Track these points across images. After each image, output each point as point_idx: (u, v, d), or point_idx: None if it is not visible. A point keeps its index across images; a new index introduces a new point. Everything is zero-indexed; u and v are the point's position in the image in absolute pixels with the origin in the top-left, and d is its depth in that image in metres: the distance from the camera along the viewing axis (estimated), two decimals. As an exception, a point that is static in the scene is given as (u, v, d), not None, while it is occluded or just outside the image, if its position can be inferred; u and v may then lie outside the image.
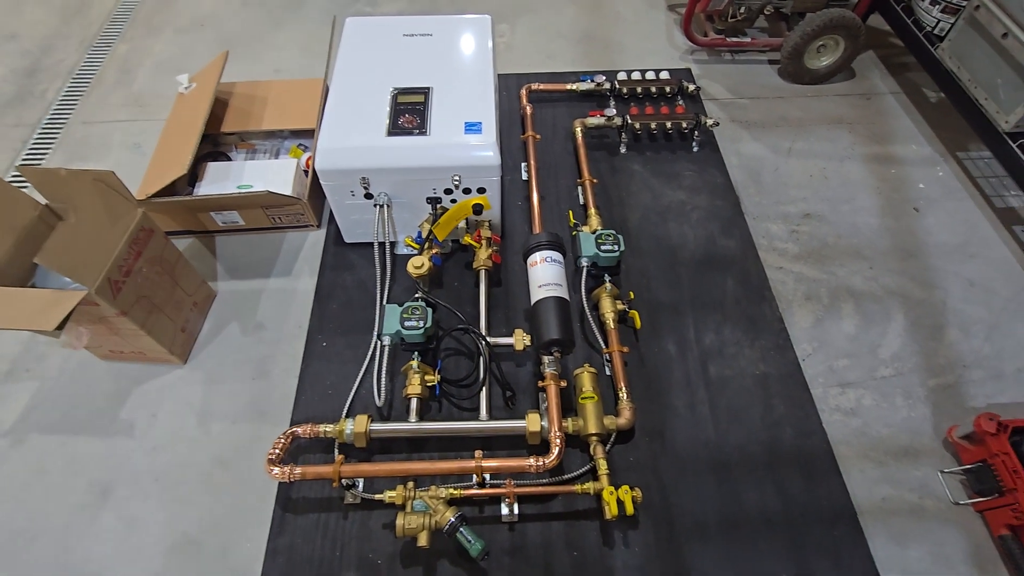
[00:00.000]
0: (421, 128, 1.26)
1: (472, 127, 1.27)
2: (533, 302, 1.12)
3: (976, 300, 1.44)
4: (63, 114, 1.83)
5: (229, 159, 1.62)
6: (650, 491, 1.14)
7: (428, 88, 1.34)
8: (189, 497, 1.16)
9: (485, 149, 1.25)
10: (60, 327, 0.95)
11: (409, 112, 1.29)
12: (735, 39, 1.95)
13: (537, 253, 1.14)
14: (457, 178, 1.28)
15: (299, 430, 1.12)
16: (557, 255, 1.16)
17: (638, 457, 1.19)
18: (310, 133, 1.66)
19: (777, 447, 1.21)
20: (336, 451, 1.16)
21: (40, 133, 1.77)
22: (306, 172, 1.57)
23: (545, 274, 1.12)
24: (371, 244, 1.34)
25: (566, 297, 1.12)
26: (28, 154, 1.72)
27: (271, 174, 1.47)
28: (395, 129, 1.26)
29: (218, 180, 1.46)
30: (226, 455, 1.21)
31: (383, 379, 1.18)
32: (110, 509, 1.14)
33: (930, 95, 1.91)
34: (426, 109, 1.30)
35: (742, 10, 1.91)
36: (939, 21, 1.68)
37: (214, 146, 1.66)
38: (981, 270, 1.49)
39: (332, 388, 1.27)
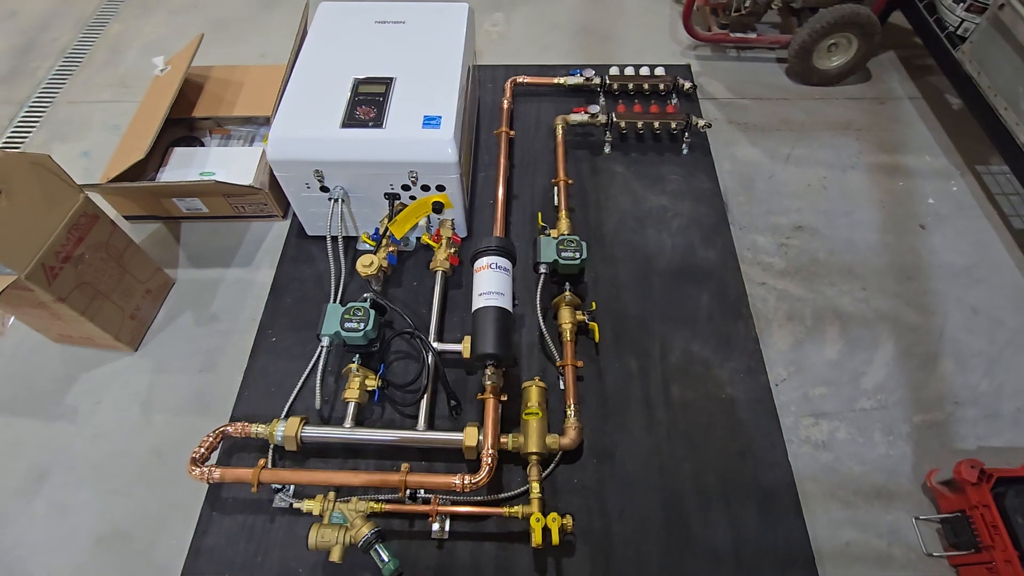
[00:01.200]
0: (377, 120, 1.21)
1: (431, 121, 1.21)
2: (473, 310, 1.06)
3: (978, 330, 1.32)
4: (50, 93, 1.83)
5: (202, 144, 1.59)
6: (592, 517, 1.08)
7: (391, 79, 1.28)
8: (123, 488, 1.14)
9: (443, 145, 1.19)
10: (-19, 313, 0.93)
11: (367, 103, 1.23)
12: (739, 35, 1.83)
13: (483, 259, 1.08)
14: (414, 174, 1.22)
15: (230, 429, 1.09)
16: (504, 262, 1.09)
17: (583, 480, 1.12)
18: (284, 121, 1.62)
19: (735, 478, 1.12)
20: (270, 453, 1.13)
21: (26, 112, 1.78)
22: (274, 160, 1.53)
23: (488, 282, 1.05)
24: (327, 237, 1.30)
25: (508, 308, 1.05)
26: (13, 133, 1.73)
27: (236, 162, 1.44)
28: (350, 120, 1.20)
29: (182, 166, 1.43)
30: (164, 447, 1.19)
31: (320, 381, 1.14)
32: (44, 495, 1.13)
33: (952, 102, 1.76)
34: (386, 101, 1.24)
35: (747, 3, 1.78)
36: (963, 21, 1.54)
37: (189, 131, 1.64)
38: (988, 296, 1.37)
39: (276, 386, 1.23)
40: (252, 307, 1.37)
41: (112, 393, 1.25)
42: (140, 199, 1.43)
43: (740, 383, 1.23)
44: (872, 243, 1.46)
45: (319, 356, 1.18)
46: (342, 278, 1.32)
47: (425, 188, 1.27)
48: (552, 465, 1.11)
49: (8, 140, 1.72)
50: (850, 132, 1.69)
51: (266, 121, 1.65)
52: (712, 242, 1.45)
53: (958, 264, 1.42)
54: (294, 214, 1.50)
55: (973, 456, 1.14)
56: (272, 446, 1.13)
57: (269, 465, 1.12)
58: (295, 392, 1.21)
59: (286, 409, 1.19)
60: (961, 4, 1.52)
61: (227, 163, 1.44)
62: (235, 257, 1.45)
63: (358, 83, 1.27)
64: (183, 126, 1.62)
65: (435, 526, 1.04)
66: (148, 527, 1.10)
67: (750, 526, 1.07)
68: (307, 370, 1.23)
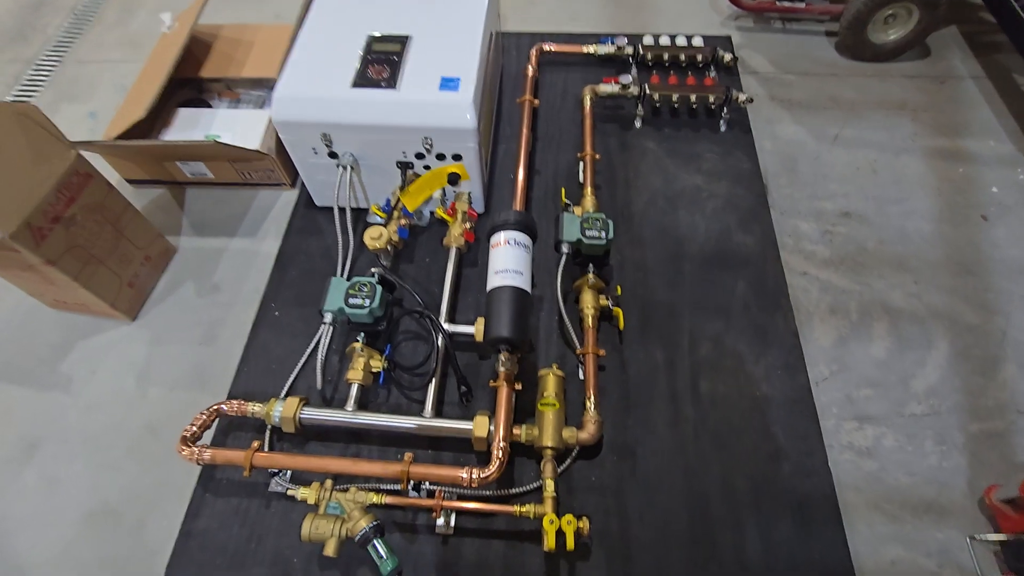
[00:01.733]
0: (390, 81, 1.11)
1: (449, 83, 1.11)
2: (488, 290, 0.97)
3: (1045, 332, 1.19)
4: (59, 51, 1.77)
5: (210, 107, 1.52)
6: (609, 519, 0.99)
7: (407, 36, 1.18)
8: (115, 463, 1.09)
9: (460, 109, 1.09)
10: (-39, 272, 0.86)
11: (380, 62, 1.14)
12: (787, 3, 1.69)
13: (500, 234, 0.98)
14: (429, 141, 1.13)
15: (224, 407, 1.02)
16: (523, 238, 0.99)
17: (601, 478, 1.03)
18: (295, 84, 1.53)
19: (769, 484, 1.02)
20: (268, 434, 1.06)
21: (34, 70, 1.73)
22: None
23: (504, 259, 0.96)
24: (335, 207, 1.22)
25: (526, 288, 0.96)
26: (19, 91, 1.68)
27: (242, 125, 1.36)
28: (361, 80, 1.11)
29: (187, 127, 1.36)
30: (158, 422, 1.13)
31: (322, 360, 1.06)
32: (35, 466, 1.09)
33: (1021, 82, 1.60)
34: (401, 60, 1.14)
35: (798, -31, 1.64)
36: (1044, -11, 1.38)
37: (198, 92, 1.56)
38: (1057, 296, 1.23)
39: (277, 363, 1.16)
40: (256, 279, 1.30)
41: (108, 363, 1.19)
42: (142, 162, 1.36)
43: (776, 380, 1.13)
44: (927, 233, 1.33)
45: (322, 333, 1.10)
46: (350, 252, 1.24)
47: (440, 157, 1.17)
48: (568, 461, 1.02)
49: (15, 98, 1.66)
50: (905, 112, 1.55)
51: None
52: (750, 227, 1.33)
53: (1022, 259, 1.29)
54: (303, 183, 1.42)
55: (1034, 471, 1.03)
56: (269, 427, 1.06)
57: (266, 447, 1.05)
58: (296, 370, 1.14)
59: (286, 388, 1.12)
60: (1043, -30, 1.36)
61: (234, 126, 1.36)
62: (240, 226, 1.38)
63: (372, 41, 1.18)
64: (192, 87, 1.54)
65: (440, 521, 0.97)
66: (139, 505, 1.04)
67: (783, 537, 0.98)
68: (310, 348, 1.16)
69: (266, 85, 1.57)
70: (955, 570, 0.96)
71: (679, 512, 1.00)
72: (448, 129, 1.10)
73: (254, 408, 1.02)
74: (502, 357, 1.00)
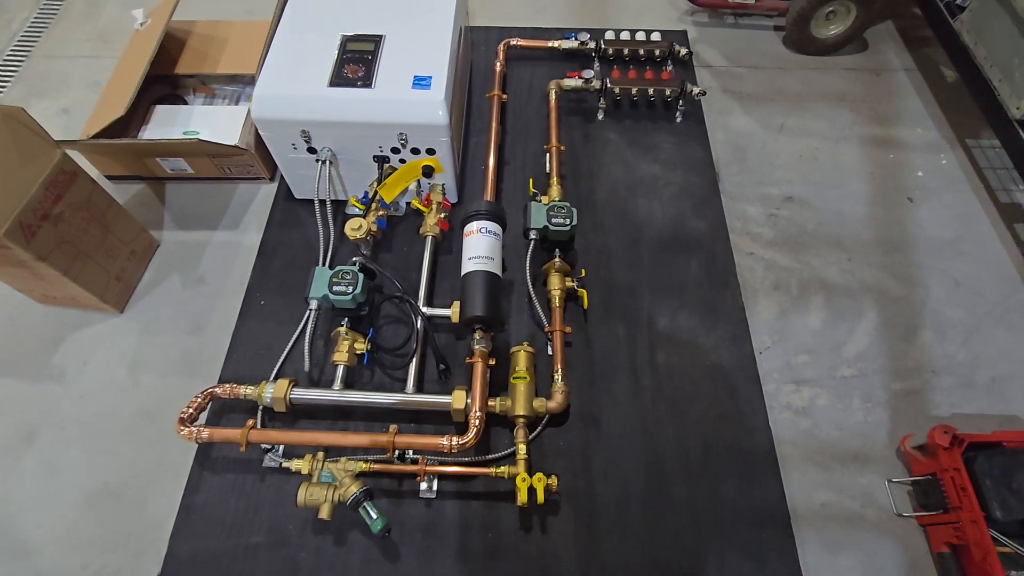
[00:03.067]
0: (366, 80, 1.18)
1: (421, 81, 1.18)
2: (462, 275, 1.06)
3: (959, 302, 1.34)
4: (26, 46, 1.76)
5: (186, 103, 1.55)
6: (576, 478, 1.10)
7: (381, 36, 1.24)
8: (112, 447, 1.15)
9: (433, 107, 1.17)
10: (-41, 269, 0.91)
11: (355, 61, 1.20)
12: (738, 1, 1.79)
13: (473, 223, 1.07)
14: (403, 136, 1.20)
15: (218, 390, 1.09)
16: (494, 226, 1.08)
17: (569, 442, 1.14)
18: (270, 80, 1.57)
19: (717, 442, 1.15)
20: (259, 414, 1.14)
21: (0, 65, 1.72)
22: (260, 121, 1.50)
23: (477, 246, 1.05)
24: (315, 199, 1.28)
25: (497, 272, 1.05)
26: (-14, 87, 1.67)
27: (220, 121, 1.40)
28: (337, 79, 1.17)
29: (165, 124, 1.40)
30: (152, 408, 1.19)
31: (309, 344, 1.14)
32: (33, 453, 1.14)
33: (947, 74, 1.75)
34: (375, 59, 1.21)
35: (747, -32, 1.74)
36: (963, -11, 1.52)
37: (173, 88, 1.59)
38: (970, 269, 1.39)
39: (265, 348, 1.23)
40: (240, 270, 1.36)
41: (99, 354, 1.24)
42: (122, 158, 1.40)
43: (725, 351, 1.25)
44: (860, 215, 1.47)
45: (308, 319, 1.17)
46: (331, 242, 1.31)
47: (415, 151, 1.25)
48: (539, 428, 1.13)
49: (-18, 95, 1.66)
50: (845, 103, 1.68)
51: (252, 80, 1.60)
52: (702, 212, 1.45)
53: (943, 237, 1.44)
54: (282, 176, 1.48)
55: (946, 422, 1.18)
56: (261, 408, 1.14)
57: (259, 426, 1.13)
58: (284, 355, 1.21)
59: (275, 372, 1.19)
60: (962, -28, 1.49)
61: (211, 122, 1.40)
62: (222, 219, 1.43)
63: (346, 40, 1.24)
64: (167, 83, 1.57)
65: (423, 485, 1.07)
66: (138, 485, 1.11)
67: (730, 488, 1.11)
68: (296, 333, 1.23)
69: (240, 81, 1.61)
70: (876, 509, 1.10)
71: (639, 470, 1.12)
72: (421, 125, 1.18)
73: (246, 390, 1.09)
74: (477, 335, 1.09)
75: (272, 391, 1.07)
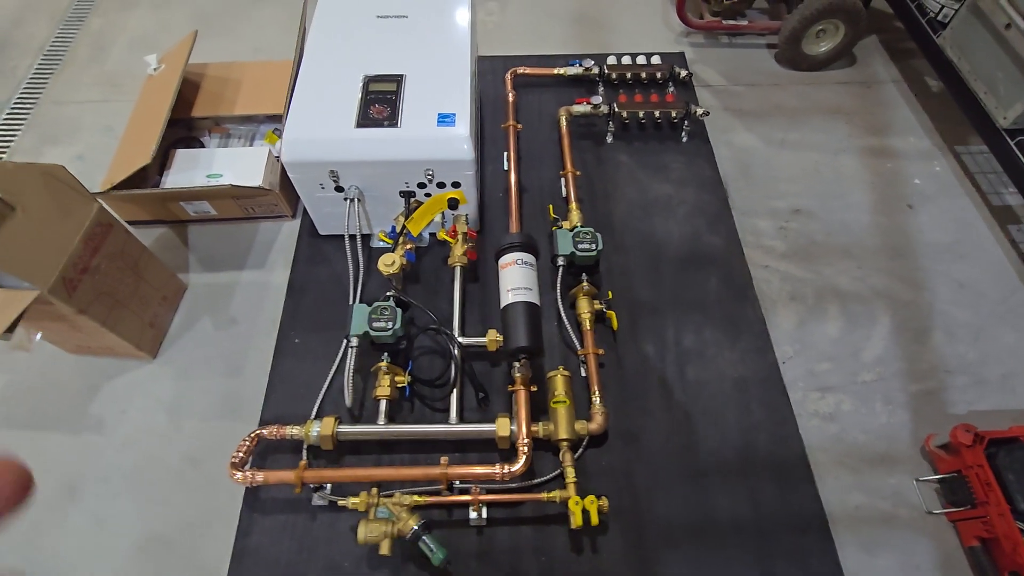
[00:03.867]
0: (392, 119, 1.21)
1: (445, 119, 1.22)
2: (502, 306, 1.09)
3: (964, 303, 1.41)
4: (33, 93, 1.77)
5: (202, 144, 1.57)
6: (621, 496, 1.13)
7: (401, 76, 1.28)
8: (159, 495, 1.15)
9: (459, 142, 1.21)
10: (10, 330, 0.92)
11: (380, 102, 1.23)
12: (732, 22, 1.87)
13: (508, 255, 1.11)
14: (430, 172, 1.24)
15: (265, 432, 1.10)
16: (529, 257, 1.12)
17: (611, 461, 1.18)
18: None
19: (751, 452, 1.19)
20: (304, 453, 1.15)
21: (9, 114, 1.72)
22: (279, 160, 1.52)
23: (515, 278, 1.08)
24: (343, 238, 1.31)
25: (536, 302, 1.09)
26: (-4, 136, 1.67)
27: (242, 163, 1.42)
28: (364, 120, 1.21)
29: (187, 168, 1.41)
30: (197, 453, 1.20)
31: (352, 380, 1.16)
32: (79, 507, 1.14)
33: (932, 84, 1.84)
34: (398, 98, 1.24)
35: (739, -9, 1.82)
36: (943, 7, 1.61)
37: (188, 131, 1.61)
38: (971, 271, 1.46)
39: (304, 387, 1.25)
40: (270, 309, 1.37)
41: (136, 402, 1.25)
42: (146, 204, 1.41)
43: (750, 362, 1.30)
44: (865, 224, 1.54)
45: (348, 356, 1.19)
46: (360, 277, 1.33)
47: (440, 185, 1.28)
48: (580, 449, 1.16)
49: (-7, 144, 1.65)
50: (840, 116, 1.76)
51: (266, 119, 1.62)
52: (716, 228, 1.50)
53: (943, 241, 1.51)
54: (304, 213, 1.50)
55: (964, 420, 1.23)
56: (306, 446, 1.15)
57: (304, 459, 1.14)
58: (322, 392, 1.23)
59: (315, 409, 1.21)
60: (942, -10, 1.58)
61: (233, 164, 1.42)
62: (247, 259, 1.45)
63: (368, 80, 1.27)
64: (181, 126, 1.58)
65: (472, 514, 1.09)
66: (189, 532, 1.11)
67: (767, 496, 1.15)
68: (332, 370, 1.25)
69: (254, 120, 1.63)
70: (907, 508, 1.15)
71: (680, 484, 1.16)
72: (449, 161, 1.21)
73: (292, 430, 1.11)
74: (517, 364, 1.13)
75: (319, 429, 1.09)
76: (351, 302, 1.29)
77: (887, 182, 1.62)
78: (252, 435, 1.10)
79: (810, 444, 1.20)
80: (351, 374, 1.16)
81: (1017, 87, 1.33)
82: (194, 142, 1.57)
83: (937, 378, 1.30)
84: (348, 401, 1.17)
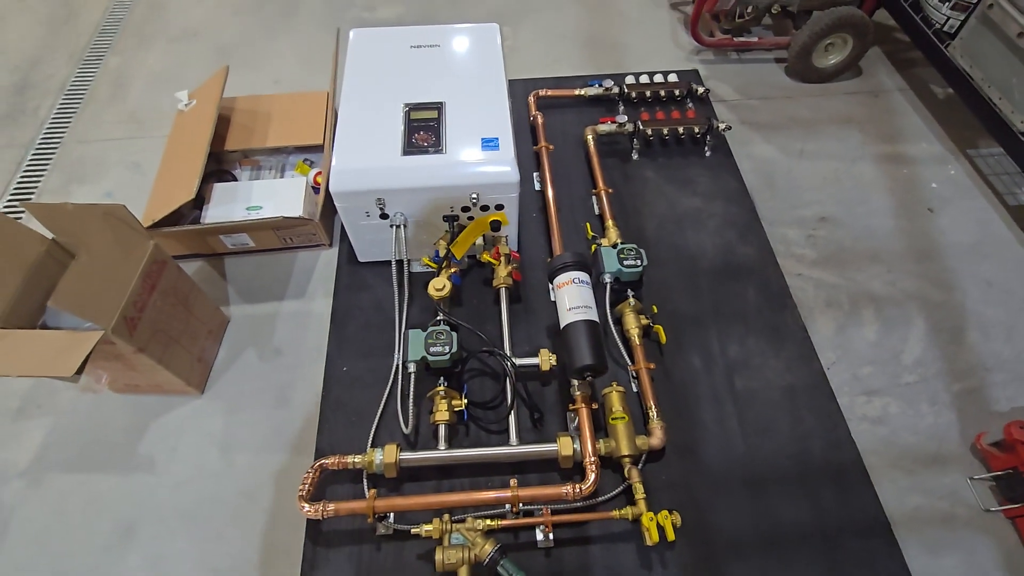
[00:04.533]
0: (437, 146, 1.23)
1: (489, 143, 1.24)
2: (563, 326, 1.10)
3: (994, 301, 1.44)
4: (57, 133, 1.77)
5: (234, 177, 1.58)
6: (684, 509, 1.13)
7: (441, 103, 1.31)
8: (217, 533, 1.13)
9: (504, 165, 1.23)
10: (79, 371, 0.91)
11: (423, 129, 1.25)
12: (742, 39, 1.93)
13: (565, 274, 1.12)
14: (475, 196, 1.26)
15: (327, 462, 1.09)
16: (584, 276, 1.13)
17: (670, 476, 1.18)
18: (316, 148, 1.62)
19: (808, 460, 1.20)
20: (365, 481, 1.14)
21: (35, 154, 1.72)
22: (315, 189, 1.53)
23: (574, 297, 1.10)
24: (385, 263, 1.32)
25: (596, 320, 1.10)
26: (24, 176, 1.66)
27: (280, 194, 1.43)
28: (410, 148, 1.22)
29: (225, 202, 1.42)
30: (252, 488, 1.18)
31: (413, 406, 1.16)
32: (136, 548, 1.11)
33: (937, 91, 1.90)
34: (440, 125, 1.27)
35: (749, 9, 1.88)
36: (948, 18, 1.67)
37: (217, 164, 1.62)
38: (997, 270, 1.50)
39: (356, 415, 1.24)
40: (314, 338, 1.37)
41: (186, 439, 1.23)
42: (185, 239, 1.41)
43: (796, 370, 1.32)
44: (889, 228, 1.58)
45: (404, 381, 1.19)
46: (406, 303, 1.34)
47: (484, 208, 1.30)
48: (640, 465, 1.16)
49: (20, 184, 1.65)
50: (852, 125, 1.81)
51: (295, 150, 1.64)
52: (748, 239, 1.53)
53: (966, 242, 1.55)
54: (341, 241, 1.51)
55: (1007, 416, 1.26)
56: (366, 475, 1.14)
57: (366, 493, 1.13)
58: (376, 419, 1.22)
59: (371, 437, 1.20)
60: (947, 3, 1.65)
61: (271, 195, 1.43)
62: (287, 289, 1.45)
63: (410, 109, 1.29)
64: (211, 160, 1.59)
65: (539, 535, 1.08)
66: (252, 569, 1.10)
67: (828, 502, 1.16)
68: (384, 397, 1.25)
69: (283, 151, 1.64)
70: (964, 507, 1.17)
71: (741, 495, 1.16)
72: (495, 185, 1.23)
73: (354, 459, 1.10)
74: (576, 382, 1.13)
75: (382, 457, 1.09)
76: (398, 328, 1.29)
77: (905, 187, 1.67)
78: (315, 466, 1.09)
79: (863, 448, 1.22)
80: (410, 400, 1.16)
81: (1033, 92, 1.39)
82: (226, 175, 1.57)
83: (977, 376, 1.32)
84: (407, 428, 1.17)
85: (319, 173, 1.58)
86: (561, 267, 1.14)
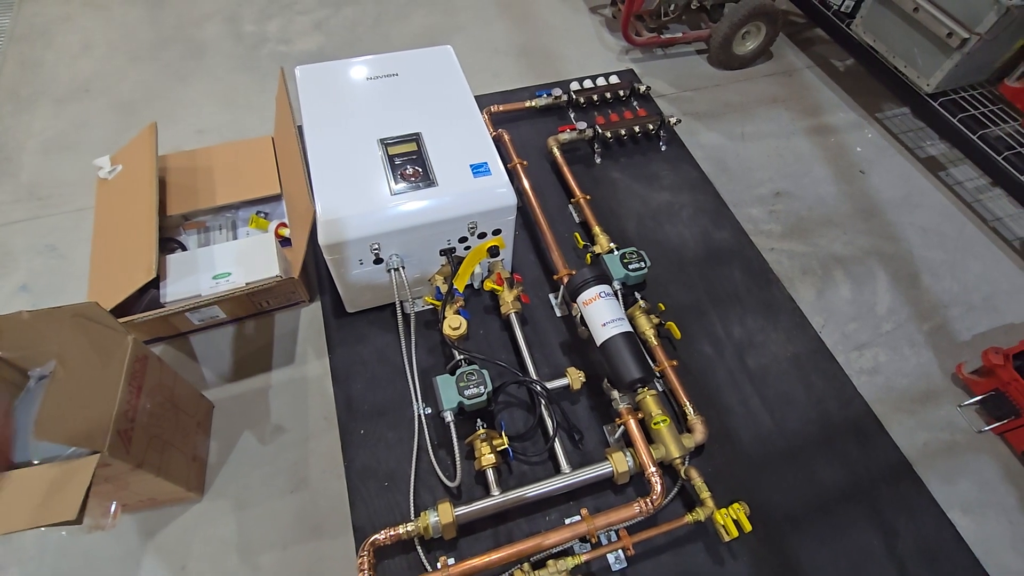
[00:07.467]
0: (427, 179, 1.17)
1: (479, 168, 1.20)
2: (600, 342, 1.08)
3: (933, 245, 1.62)
4: (-65, 225, 1.47)
5: (183, 245, 1.40)
6: (737, 495, 1.16)
7: (417, 134, 1.24)
8: (261, 650, 1.00)
9: (499, 189, 1.19)
10: (82, 510, 0.76)
11: (407, 164, 1.18)
12: (668, 36, 2.02)
13: (590, 290, 1.10)
14: (473, 224, 1.20)
15: (379, 538, 1.00)
16: (607, 288, 1.13)
17: (715, 465, 1.20)
18: (270, 199, 1.48)
19: (828, 421, 1.28)
20: (419, 548, 1.06)
21: (-88, 255, 1.42)
22: (281, 242, 1.40)
23: (604, 311, 1.08)
24: (374, 309, 1.23)
25: (631, 330, 1.09)
26: (-99, 284, 1.37)
27: (247, 255, 1.29)
28: (398, 185, 1.15)
29: (185, 274, 1.25)
30: (289, 587, 1.05)
31: (456, 457, 1.08)
32: None
33: (838, 64, 2.11)
34: (423, 157, 1.20)
35: (672, 7, 1.98)
36: (844, 0, 1.86)
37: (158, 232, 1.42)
38: (928, 217, 1.68)
39: (388, 479, 1.15)
40: (318, 405, 1.25)
41: (196, 552, 1.07)
42: (148, 324, 1.23)
43: (796, 340, 1.40)
44: (834, 194, 1.72)
45: (447, 431, 1.12)
46: (413, 348, 1.25)
47: (482, 236, 1.25)
48: (686, 463, 1.18)
49: (-98, 295, 1.36)
50: (778, 104, 1.96)
51: (242, 203, 1.49)
52: (720, 224, 1.61)
53: (897, 196, 1.73)
54: (321, 294, 1.39)
55: (970, 345, 1.42)
56: (419, 543, 1.06)
57: (423, 559, 1.05)
58: (412, 479, 1.14)
59: (411, 499, 1.12)
60: (841, -14, 1.83)
61: (237, 259, 1.28)
62: (273, 357, 1.31)
63: (385, 144, 1.21)
64: (149, 229, 1.40)
65: (611, 559, 1.06)
66: None
67: (855, 457, 1.23)
68: (414, 452, 1.16)
69: (231, 208, 1.48)
70: (960, 433, 1.29)
71: (783, 467, 1.21)
72: (493, 210, 1.19)
73: (407, 528, 1.01)
74: (616, 395, 1.12)
75: (438, 518, 1.01)
76: (410, 376, 1.21)
77: (836, 154, 1.83)
78: (366, 546, 0.99)
79: (868, 399, 1.32)
80: (455, 451, 1.08)
81: (935, 57, 1.57)
82: (172, 244, 1.39)
83: (940, 314, 1.48)
84: (454, 481, 1.09)
85: (281, 224, 1.44)
86: (583, 283, 1.12)
